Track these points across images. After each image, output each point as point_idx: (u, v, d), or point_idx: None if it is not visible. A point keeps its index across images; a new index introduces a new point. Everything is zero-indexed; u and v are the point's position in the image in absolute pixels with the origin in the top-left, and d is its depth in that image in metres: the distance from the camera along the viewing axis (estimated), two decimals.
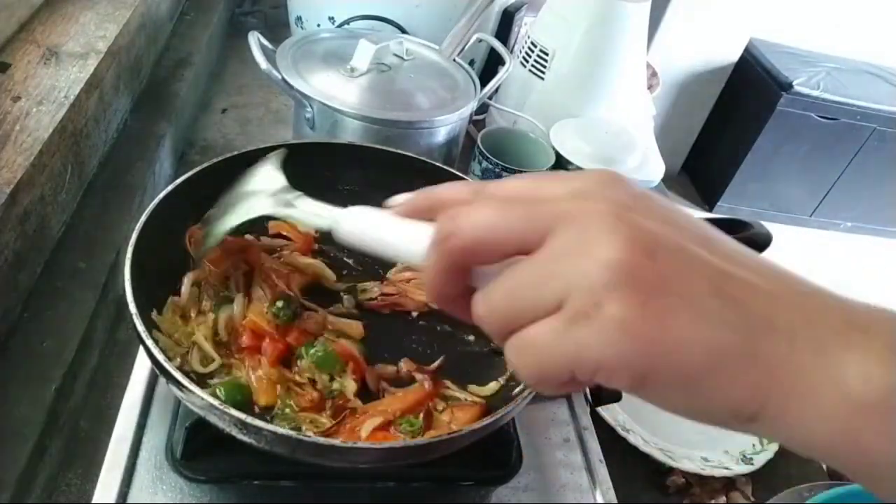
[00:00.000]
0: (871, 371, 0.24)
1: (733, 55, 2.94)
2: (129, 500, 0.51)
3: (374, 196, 0.75)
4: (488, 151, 0.91)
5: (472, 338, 0.63)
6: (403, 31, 1.04)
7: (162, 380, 0.58)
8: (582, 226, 0.26)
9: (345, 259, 0.69)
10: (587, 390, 0.67)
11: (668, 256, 0.25)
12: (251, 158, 0.67)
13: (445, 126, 0.88)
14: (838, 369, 0.24)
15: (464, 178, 0.73)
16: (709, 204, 3.22)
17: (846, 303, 0.26)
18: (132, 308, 0.49)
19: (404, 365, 0.58)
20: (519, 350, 0.27)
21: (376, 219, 0.38)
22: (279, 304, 0.57)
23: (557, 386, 0.27)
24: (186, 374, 0.47)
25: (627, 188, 0.28)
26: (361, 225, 0.39)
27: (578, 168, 0.96)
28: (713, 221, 0.68)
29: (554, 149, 0.96)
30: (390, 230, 0.37)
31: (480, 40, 1.01)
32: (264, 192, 0.54)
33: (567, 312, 0.25)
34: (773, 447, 0.76)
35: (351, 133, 0.83)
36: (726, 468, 0.73)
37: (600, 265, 0.25)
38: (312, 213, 0.48)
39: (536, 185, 0.30)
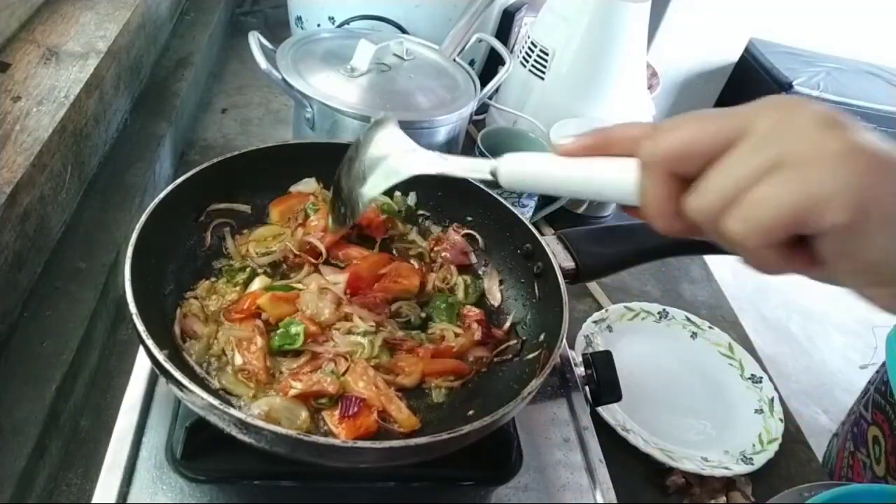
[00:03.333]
0: None
1: (733, 55, 2.94)
2: (129, 500, 0.51)
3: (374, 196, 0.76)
4: (488, 151, 0.91)
5: None
6: (403, 31, 1.04)
7: (162, 380, 0.58)
8: (778, 111, 0.30)
9: None
10: (587, 390, 0.67)
11: (863, 127, 0.29)
12: (251, 158, 0.68)
13: (445, 126, 0.88)
14: None
15: (464, 178, 0.73)
16: None
17: None
18: (132, 308, 0.49)
19: None
20: (746, 214, 0.29)
21: (539, 162, 0.40)
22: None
23: (781, 251, 0.29)
24: None
25: (846, 138, 0.29)
26: (528, 168, 0.41)
27: None
28: None
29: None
30: (556, 174, 0.39)
31: (480, 40, 1.01)
32: (399, 151, 0.52)
33: (788, 164, 0.28)
34: (773, 447, 0.76)
35: (351, 133, 0.83)
36: (726, 468, 0.73)
37: (811, 120, 0.29)
38: (468, 167, 0.47)
39: (714, 112, 0.32)
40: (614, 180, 0.36)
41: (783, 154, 0.29)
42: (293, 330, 0.58)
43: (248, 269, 0.64)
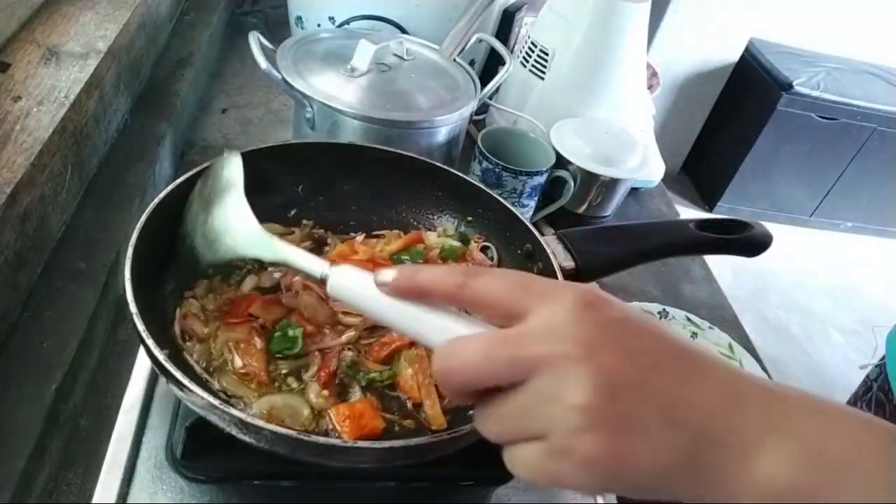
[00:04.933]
0: (777, 471, 0.31)
1: (733, 55, 2.94)
2: (129, 500, 0.51)
3: (375, 196, 0.76)
4: (488, 151, 0.91)
5: None
6: (403, 31, 1.04)
7: (162, 380, 0.58)
8: (555, 374, 0.32)
9: None
10: None
11: (626, 395, 0.31)
12: (251, 158, 0.67)
13: (445, 126, 0.88)
14: (755, 469, 0.31)
15: (464, 178, 0.73)
16: (709, 204, 3.23)
17: (774, 400, 0.33)
18: (132, 308, 0.49)
19: None
20: (512, 461, 0.34)
21: (367, 288, 0.40)
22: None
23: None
24: None
25: (596, 320, 0.33)
26: (353, 289, 0.41)
27: (578, 168, 0.96)
28: (713, 221, 0.69)
29: (554, 149, 0.96)
30: (382, 304, 0.39)
31: (480, 40, 1.01)
32: (238, 231, 0.53)
33: (548, 447, 0.32)
34: None
35: (351, 133, 0.83)
36: None
37: (573, 412, 0.31)
38: (301, 262, 0.47)
39: (516, 297, 0.35)
40: (427, 340, 0.38)
41: (548, 433, 0.32)
42: (290, 333, 0.58)
43: (244, 269, 0.64)
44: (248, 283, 0.63)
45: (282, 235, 0.69)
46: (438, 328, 0.37)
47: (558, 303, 0.34)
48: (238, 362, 0.55)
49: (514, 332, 0.34)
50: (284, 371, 0.57)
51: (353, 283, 0.41)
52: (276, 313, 0.60)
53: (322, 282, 0.43)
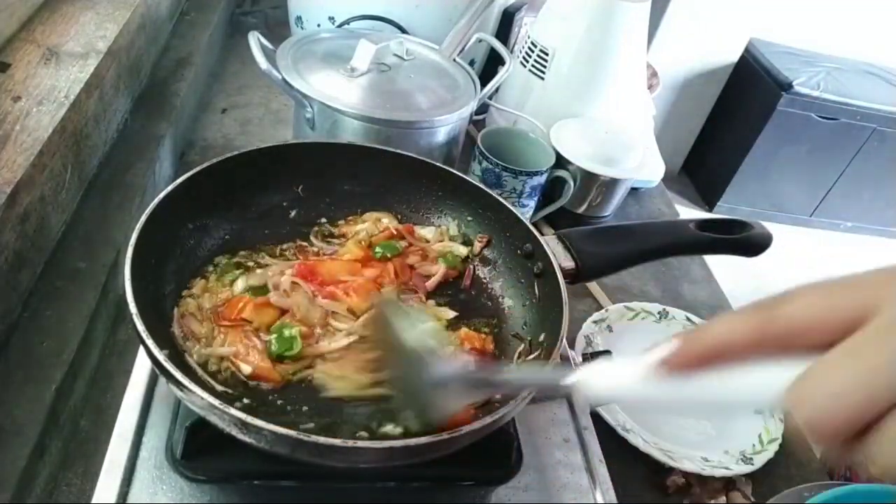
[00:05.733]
0: None
1: (733, 55, 2.94)
2: (129, 500, 0.51)
3: (375, 196, 0.76)
4: (488, 151, 0.91)
5: None
6: (403, 31, 1.04)
7: (162, 380, 0.58)
8: None
9: None
10: None
11: None
12: (251, 158, 0.68)
13: (445, 126, 0.88)
14: None
15: (464, 178, 0.73)
16: (709, 204, 3.22)
17: None
18: (132, 308, 0.49)
19: None
20: None
21: (632, 377, 0.32)
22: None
23: None
24: None
25: None
26: (617, 387, 0.34)
27: (578, 168, 0.96)
28: (713, 221, 0.69)
29: (554, 149, 0.96)
30: (661, 391, 0.31)
31: (480, 40, 1.01)
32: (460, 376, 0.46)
33: None
34: (773, 447, 0.76)
35: (351, 133, 0.83)
36: (726, 468, 0.73)
37: None
38: (540, 379, 0.41)
39: (847, 299, 0.28)
40: (751, 401, 0.32)
41: None
42: (287, 333, 0.58)
43: (240, 268, 0.65)
44: (240, 284, 0.63)
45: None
46: (761, 384, 0.29)
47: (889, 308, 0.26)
48: (246, 369, 0.55)
49: (873, 331, 0.26)
50: (291, 372, 0.57)
51: (610, 380, 0.34)
52: (268, 316, 0.59)
53: (569, 394, 0.37)
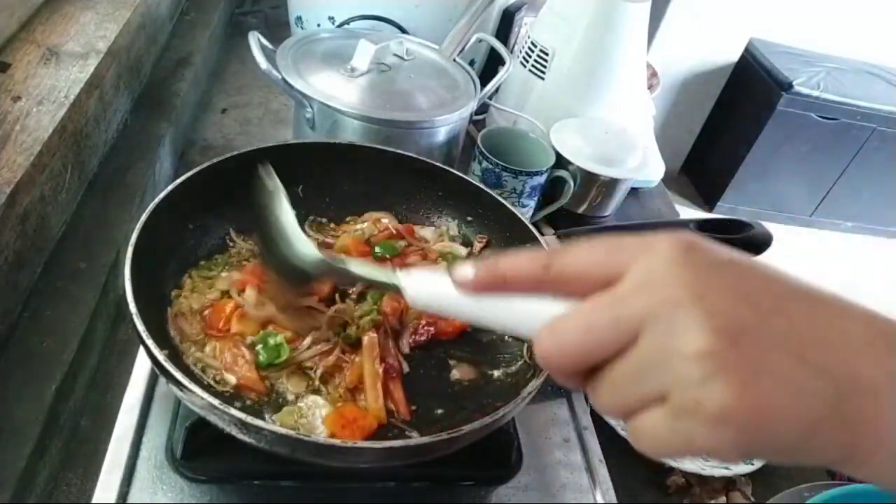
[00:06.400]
0: None
1: (733, 55, 2.94)
2: (129, 500, 0.51)
3: (375, 196, 0.76)
4: (488, 151, 0.91)
5: None
6: (403, 31, 1.04)
7: (162, 380, 0.58)
8: (665, 324, 0.28)
9: None
10: None
11: (750, 339, 0.27)
12: (251, 158, 0.67)
13: (445, 126, 0.88)
14: None
15: (464, 178, 0.73)
16: (709, 204, 3.22)
17: None
18: (132, 308, 0.49)
19: None
20: (636, 435, 0.30)
21: (446, 289, 0.37)
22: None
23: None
24: None
25: (700, 262, 0.30)
26: (432, 294, 0.39)
27: (578, 168, 0.96)
28: (713, 221, 0.69)
29: (554, 149, 0.96)
30: (465, 304, 0.37)
31: (480, 40, 1.01)
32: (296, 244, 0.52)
33: (671, 407, 0.28)
34: None
35: (351, 133, 0.83)
36: (726, 468, 0.73)
37: (691, 361, 0.27)
38: (370, 274, 0.46)
39: (607, 260, 0.32)
40: (521, 331, 0.36)
41: (667, 391, 0.28)
42: (271, 341, 0.57)
43: (221, 265, 0.65)
44: (221, 284, 0.63)
45: None
46: (531, 315, 0.35)
47: (654, 253, 0.30)
48: (232, 379, 0.55)
49: (609, 294, 0.30)
50: (277, 381, 0.57)
51: (430, 287, 0.39)
52: (253, 324, 0.59)
53: (398, 291, 0.41)
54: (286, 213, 0.54)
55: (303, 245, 0.52)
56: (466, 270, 0.36)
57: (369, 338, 0.59)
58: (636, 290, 0.30)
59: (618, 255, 0.32)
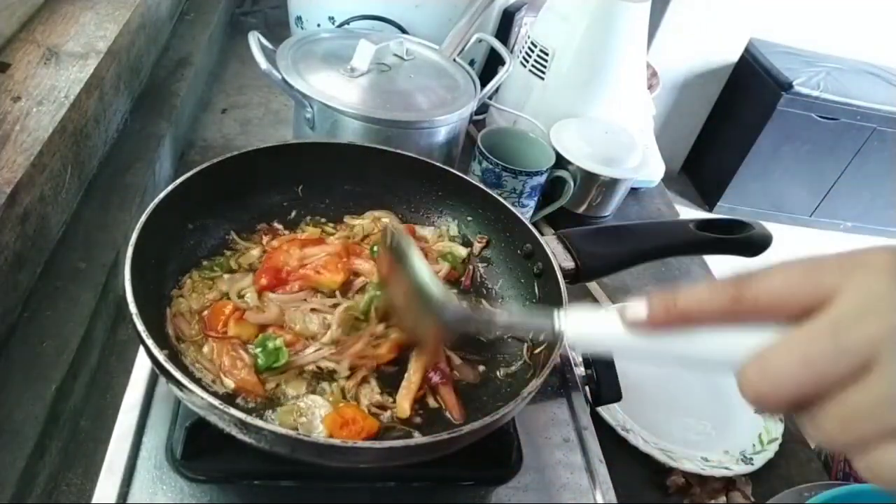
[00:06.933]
0: None
1: (733, 55, 2.94)
2: (129, 500, 0.51)
3: (375, 196, 0.76)
4: (488, 151, 0.91)
5: None
6: (403, 31, 1.04)
7: (162, 380, 0.58)
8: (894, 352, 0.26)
9: None
10: (587, 390, 0.67)
11: None
12: (251, 158, 0.68)
13: (445, 126, 0.88)
14: None
15: (464, 178, 0.73)
16: (709, 204, 3.22)
17: None
18: (132, 308, 0.49)
19: None
20: (875, 471, 0.28)
21: (613, 329, 0.35)
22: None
23: None
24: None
25: None
26: (598, 335, 0.37)
27: (578, 168, 0.96)
28: (713, 221, 0.69)
29: (554, 149, 0.96)
30: (638, 343, 0.35)
31: (480, 40, 1.01)
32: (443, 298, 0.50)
33: None
34: (773, 447, 0.76)
35: (351, 133, 0.83)
36: (726, 468, 0.73)
37: None
38: (529, 323, 0.45)
39: (811, 282, 0.30)
40: (715, 365, 0.34)
41: None
42: (270, 345, 0.57)
43: (223, 267, 0.65)
44: (221, 285, 0.63)
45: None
46: (725, 349, 0.32)
47: (869, 271, 0.28)
48: (230, 383, 0.55)
49: (825, 321, 0.28)
50: (275, 386, 0.56)
51: (593, 328, 0.37)
52: (251, 329, 0.59)
53: (558, 335, 0.39)
54: (420, 266, 0.51)
55: (444, 296, 0.49)
56: (639, 310, 0.34)
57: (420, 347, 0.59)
58: (859, 313, 0.28)
59: (821, 276, 0.29)
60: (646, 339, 0.34)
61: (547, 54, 1.06)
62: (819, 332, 0.28)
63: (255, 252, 0.67)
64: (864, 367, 0.27)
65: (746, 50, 2.94)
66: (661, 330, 0.33)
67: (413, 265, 0.52)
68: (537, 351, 0.62)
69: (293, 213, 0.73)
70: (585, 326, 0.37)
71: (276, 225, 0.71)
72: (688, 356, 0.34)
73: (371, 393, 0.57)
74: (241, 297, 0.61)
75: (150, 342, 0.47)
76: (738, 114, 3.03)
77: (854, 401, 0.27)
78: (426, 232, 0.75)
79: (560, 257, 0.66)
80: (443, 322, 0.49)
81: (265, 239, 0.69)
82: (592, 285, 0.95)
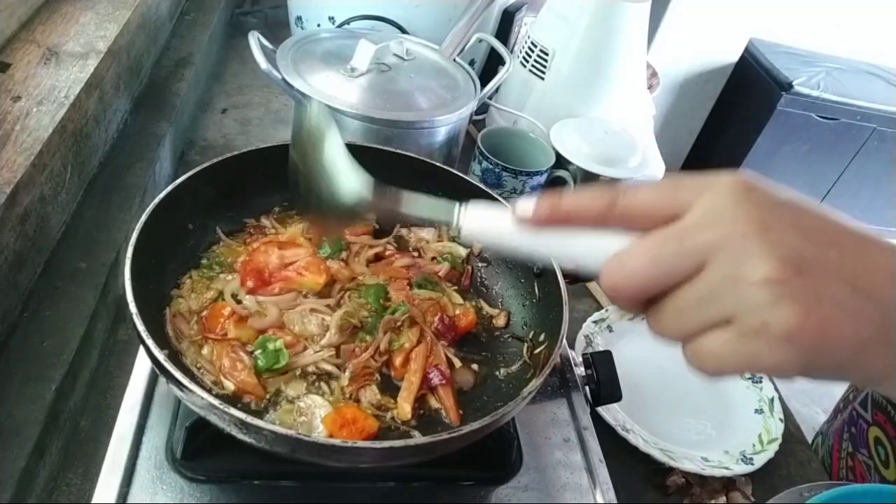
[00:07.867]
0: None
1: (733, 55, 2.94)
2: (129, 500, 0.51)
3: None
4: (488, 151, 0.91)
5: None
6: (403, 31, 1.04)
7: (162, 380, 0.58)
8: (731, 254, 0.31)
9: None
10: (587, 390, 0.67)
11: (811, 268, 0.30)
12: (251, 158, 0.68)
13: (445, 126, 0.88)
14: None
15: (464, 178, 0.73)
16: None
17: None
18: (132, 308, 0.49)
19: None
20: (697, 356, 0.33)
21: (506, 225, 0.39)
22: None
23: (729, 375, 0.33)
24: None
25: (761, 199, 0.32)
26: (492, 229, 0.40)
27: (578, 168, 0.96)
28: None
29: (554, 149, 0.96)
30: (525, 239, 0.38)
31: (480, 40, 1.01)
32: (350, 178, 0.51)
33: (738, 329, 0.31)
34: (773, 447, 0.76)
35: (351, 133, 0.83)
36: (726, 468, 0.73)
37: (760, 287, 0.30)
38: (427, 210, 0.46)
39: (671, 197, 0.34)
40: (585, 263, 0.37)
41: (734, 315, 0.31)
42: (270, 346, 0.57)
43: (222, 267, 0.65)
44: (219, 284, 0.63)
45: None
46: (595, 248, 0.36)
47: (717, 190, 0.32)
48: (230, 385, 0.55)
49: (675, 228, 0.33)
50: (275, 389, 0.56)
51: (487, 222, 0.40)
52: (250, 330, 0.59)
53: (456, 227, 0.42)
54: (337, 149, 0.52)
55: (352, 181, 0.51)
56: (527, 207, 0.37)
57: (419, 347, 0.60)
58: (701, 223, 0.32)
59: (680, 193, 0.34)
60: (531, 235, 0.38)
61: (547, 54, 1.06)
62: (668, 237, 0.33)
63: (243, 250, 0.67)
64: (699, 268, 0.31)
65: (746, 50, 2.93)
66: (544, 227, 0.37)
67: (329, 144, 0.52)
68: (537, 351, 0.62)
69: (293, 214, 0.73)
70: (481, 220, 0.41)
71: (265, 222, 0.71)
72: (564, 253, 0.38)
73: (371, 393, 0.57)
74: (235, 298, 0.61)
75: (150, 342, 0.47)
76: (738, 114, 3.03)
77: (684, 295, 0.32)
78: (426, 232, 0.75)
79: None
80: (349, 205, 0.50)
81: (248, 239, 0.69)
82: (592, 285, 0.95)
